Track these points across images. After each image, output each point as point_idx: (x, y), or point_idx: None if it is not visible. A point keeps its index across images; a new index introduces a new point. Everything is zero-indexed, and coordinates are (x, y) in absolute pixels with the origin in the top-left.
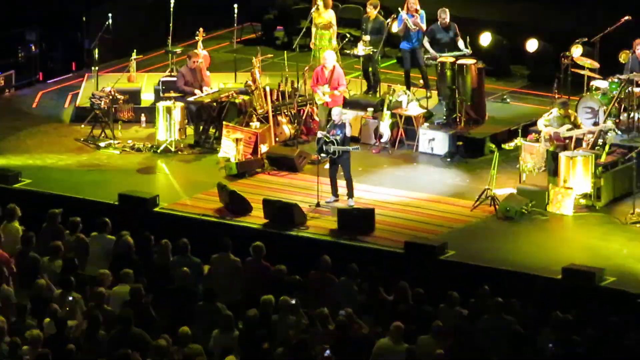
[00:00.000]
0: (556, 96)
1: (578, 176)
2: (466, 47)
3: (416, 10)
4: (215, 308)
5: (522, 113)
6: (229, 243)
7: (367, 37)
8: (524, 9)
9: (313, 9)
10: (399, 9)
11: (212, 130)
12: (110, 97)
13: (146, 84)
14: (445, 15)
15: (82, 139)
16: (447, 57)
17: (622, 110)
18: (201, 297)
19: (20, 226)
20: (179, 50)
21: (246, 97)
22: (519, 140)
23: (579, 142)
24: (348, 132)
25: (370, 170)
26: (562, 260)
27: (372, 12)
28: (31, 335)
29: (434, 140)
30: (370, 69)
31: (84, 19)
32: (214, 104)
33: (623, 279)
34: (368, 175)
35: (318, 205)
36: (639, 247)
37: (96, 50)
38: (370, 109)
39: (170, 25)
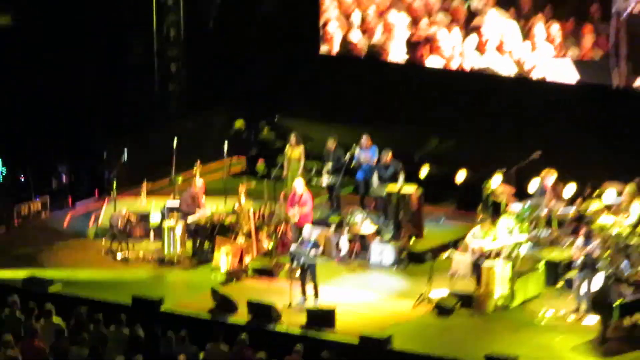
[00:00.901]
0: (480, 217)
1: (497, 281)
2: (403, 181)
3: (368, 146)
4: None
5: (453, 230)
6: (220, 335)
7: (329, 167)
8: (459, 143)
9: (287, 146)
10: (355, 144)
11: (206, 245)
12: (126, 217)
13: (154, 207)
14: (386, 156)
15: (103, 252)
16: (393, 187)
17: (532, 227)
18: None
19: (56, 320)
20: (180, 179)
21: (233, 218)
22: (450, 252)
23: (497, 254)
24: (315, 249)
25: (332, 276)
26: (486, 348)
27: (332, 145)
28: None
29: (383, 252)
30: (333, 194)
31: (104, 154)
32: (208, 224)
33: None
34: (331, 280)
35: (290, 305)
36: (549, 339)
37: (114, 180)
38: (333, 227)
39: (174, 158)
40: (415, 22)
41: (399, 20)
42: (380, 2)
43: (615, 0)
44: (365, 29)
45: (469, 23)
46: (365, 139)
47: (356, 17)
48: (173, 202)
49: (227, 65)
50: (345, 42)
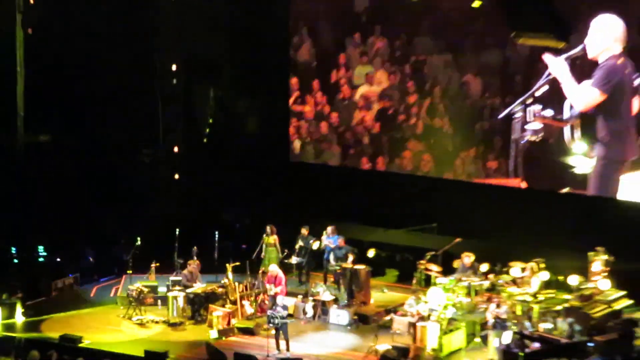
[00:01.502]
0: (414, 287)
1: (428, 337)
2: (352, 261)
3: (332, 233)
4: None
5: (394, 298)
6: None
7: (298, 247)
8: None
9: (264, 235)
10: (324, 232)
11: (202, 310)
12: (139, 290)
13: (161, 281)
14: (340, 241)
15: (121, 316)
16: (348, 264)
17: (455, 296)
18: None
19: None
20: (181, 261)
21: (223, 290)
22: (392, 315)
23: (429, 316)
24: (286, 311)
25: (300, 334)
26: None
27: (305, 232)
28: None
29: (339, 316)
30: (301, 270)
31: (122, 241)
32: (203, 294)
33: None
34: (299, 337)
35: (268, 356)
36: None
37: (130, 261)
38: (300, 296)
39: (176, 245)
40: None
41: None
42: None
43: (514, 130)
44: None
45: None
46: (331, 229)
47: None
48: (175, 277)
49: (215, 175)
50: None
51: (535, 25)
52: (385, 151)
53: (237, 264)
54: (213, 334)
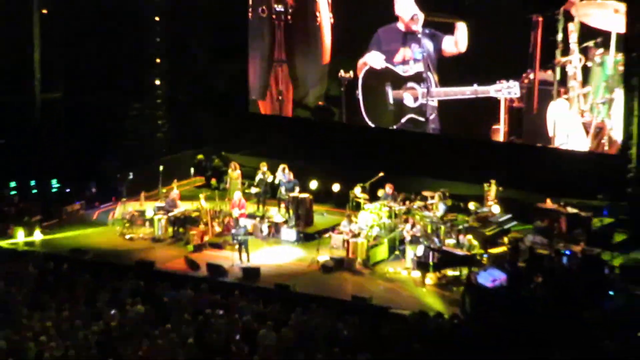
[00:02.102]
0: (347, 212)
1: (358, 251)
2: (299, 192)
3: (283, 171)
4: None
5: (331, 220)
6: (188, 284)
7: (256, 182)
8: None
9: (229, 169)
10: (278, 168)
11: (181, 229)
12: (131, 213)
13: (148, 207)
14: (289, 175)
15: (118, 234)
16: (295, 194)
17: (379, 218)
18: None
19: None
20: (164, 190)
21: (197, 213)
22: (330, 233)
23: (358, 234)
24: (246, 230)
25: (257, 248)
26: (353, 291)
27: (263, 168)
28: None
29: (288, 234)
30: (259, 199)
31: (118, 176)
32: (182, 217)
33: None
34: (256, 251)
35: (232, 265)
36: (392, 285)
37: (124, 191)
38: (258, 218)
39: (160, 178)
40: None
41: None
42: None
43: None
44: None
45: None
46: (282, 167)
47: None
48: (160, 204)
49: (192, 121)
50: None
51: None
52: None
53: (208, 193)
54: (190, 249)
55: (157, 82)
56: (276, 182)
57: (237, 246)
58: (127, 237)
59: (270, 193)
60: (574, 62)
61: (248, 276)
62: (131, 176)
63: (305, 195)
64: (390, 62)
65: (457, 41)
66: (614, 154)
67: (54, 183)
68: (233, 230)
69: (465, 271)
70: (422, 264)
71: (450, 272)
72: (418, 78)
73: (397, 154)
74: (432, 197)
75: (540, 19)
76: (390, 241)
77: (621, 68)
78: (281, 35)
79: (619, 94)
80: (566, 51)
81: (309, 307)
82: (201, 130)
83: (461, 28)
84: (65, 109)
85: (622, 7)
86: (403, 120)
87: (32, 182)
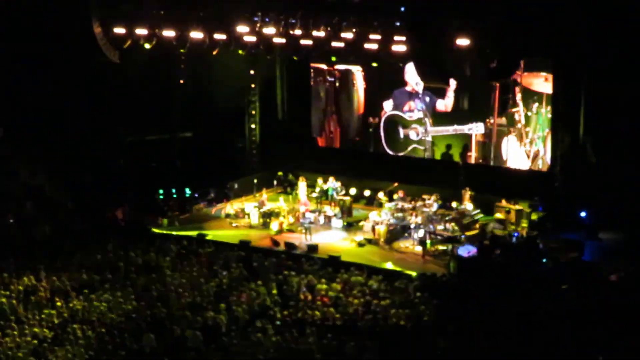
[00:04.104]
0: (374, 208)
1: (382, 234)
2: (342, 195)
3: (333, 180)
4: None
5: (362, 215)
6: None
7: (317, 188)
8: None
9: (299, 181)
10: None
11: (268, 220)
12: (238, 210)
13: (247, 205)
14: (340, 184)
15: (228, 223)
16: (341, 197)
17: (396, 213)
18: None
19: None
20: (257, 195)
21: (278, 209)
22: (362, 223)
23: (382, 222)
24: (310, 220)
25: (317, 232)
26: (382, 264)
27: (319, 181)
28: None
29: (336, 222)
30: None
31: (227, 186)
32: (269, 211)
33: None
34: (316, 234)
35: (300, 243)
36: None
37: (232, 195)
38: (317, 212)
39: (254, 187)
40: None
41: None
42: None
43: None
44: None
45: None
46: (332, 178)
47: None
48: (255, 203)
49: (275, 150)
50: None
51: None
52: None
53: (285, 196)
54: (274, 233)
55: (253, 126)
56: (327, 188)
57: (303, 231)
58: (234, 225)
59: (324, 196)
60: (520, 112)
61: (311, 250)
62: (236, 186)
63: (347, 197)
64: (401, 111)
65: (446, 105)
66: (545, 171)
67: (187, 190)
68: (301, 220)
69: (450, 247)
70: (422, 242)
71: (440, 247)
72: (419, 121)
73: (405, 171)
74: (429, 199)
75: (497, 84)
76: (402, 229)
77: (549, 116)
78: (332, 95)
79: (548, 133)
80: (514, 105)
81: (349, 269)
82: (281, 156)
83: (450, 96)
84: (194, 145)
85: (550, 77)
86: (409, 148)
87: (173, 190)
